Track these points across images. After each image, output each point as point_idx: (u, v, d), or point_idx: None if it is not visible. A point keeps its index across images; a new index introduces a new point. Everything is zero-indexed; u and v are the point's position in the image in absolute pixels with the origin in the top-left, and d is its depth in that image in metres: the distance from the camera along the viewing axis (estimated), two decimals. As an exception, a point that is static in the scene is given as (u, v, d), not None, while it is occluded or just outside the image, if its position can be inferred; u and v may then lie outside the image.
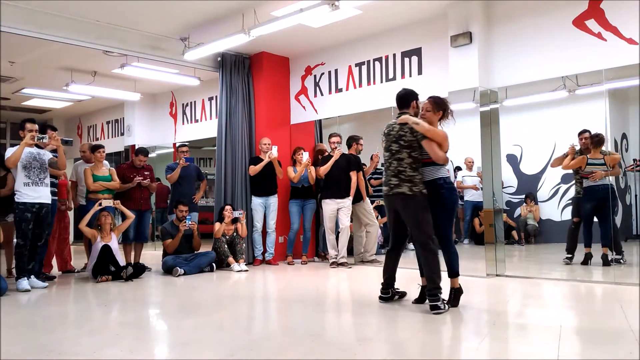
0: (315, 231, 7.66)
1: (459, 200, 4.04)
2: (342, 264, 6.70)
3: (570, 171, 6.61)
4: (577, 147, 6.35)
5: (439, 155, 3.93)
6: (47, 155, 5.37)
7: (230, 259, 6.54)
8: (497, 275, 5.54)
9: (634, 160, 7.83)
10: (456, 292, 4.04)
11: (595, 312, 4.13)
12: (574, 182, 6.52)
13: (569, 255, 6.24)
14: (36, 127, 5.33)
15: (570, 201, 6.90)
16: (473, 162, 8.05)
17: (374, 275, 6.13)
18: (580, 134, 6.37)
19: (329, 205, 6.82)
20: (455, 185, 4.00)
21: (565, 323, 3.50)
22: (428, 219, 3.95)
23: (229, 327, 3.72)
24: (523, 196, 8.38)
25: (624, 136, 7.80)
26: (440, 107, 4.13)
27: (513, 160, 8.40)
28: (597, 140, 6.13)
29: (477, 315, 3.88)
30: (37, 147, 5.28)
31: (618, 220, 7.45)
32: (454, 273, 4.03)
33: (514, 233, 8.39)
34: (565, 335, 3.15)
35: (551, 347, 2.90)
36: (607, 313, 4.03)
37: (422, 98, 6.36)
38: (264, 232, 7.15)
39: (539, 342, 3.08)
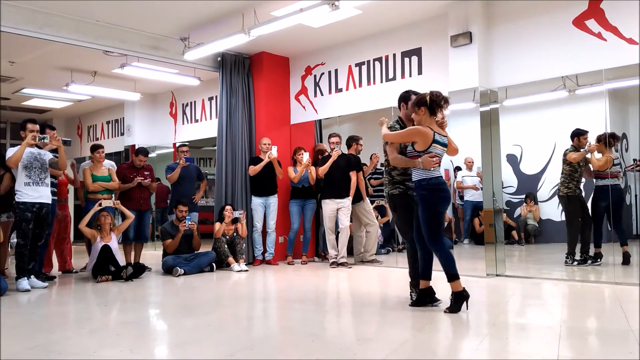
0: (315, 231, 7.66)
1: (440, 201, 3.94)
2: (342, 264, 6.70)
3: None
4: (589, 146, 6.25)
5: (391, 159, 4.08)
6: (47, 155, 5.38)
7: (230, 259, 6.54)
8: (497, 275, 5.54)
9: (634, 160, 7.83)
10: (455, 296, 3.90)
11: (595, 312, 4.13)
12: (564, 179, 6.32)
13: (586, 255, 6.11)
14: (37, 127, 5.36)
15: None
16: (473, 162, 8.05)
17: (374, 275, 6.14)
18: (581, 134, 6.30)
19: (329, 205, 6.82)
20: (439, 185, 3.94)
21: (565, 323, 3.50)
22: (405, 218, 4.09)
23: (229, 327, 3.72)
24: (523, 196, 8.37)
25: (624, 136, 7.79)
26: (418, 104, 4.01)
27: (513, 160, 8.39)
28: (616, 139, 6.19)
29: (477, 315, 3.88)
30: (37, 147, 5.29)
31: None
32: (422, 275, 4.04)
33: (514, 233, 8.38)
34: (565, 335, 3.15)
35: (551, 347, 2.90)
36: (607, 313, 4.04)
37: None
38: (264, 232, 7.15)
39: (539, 342, 3.08)
